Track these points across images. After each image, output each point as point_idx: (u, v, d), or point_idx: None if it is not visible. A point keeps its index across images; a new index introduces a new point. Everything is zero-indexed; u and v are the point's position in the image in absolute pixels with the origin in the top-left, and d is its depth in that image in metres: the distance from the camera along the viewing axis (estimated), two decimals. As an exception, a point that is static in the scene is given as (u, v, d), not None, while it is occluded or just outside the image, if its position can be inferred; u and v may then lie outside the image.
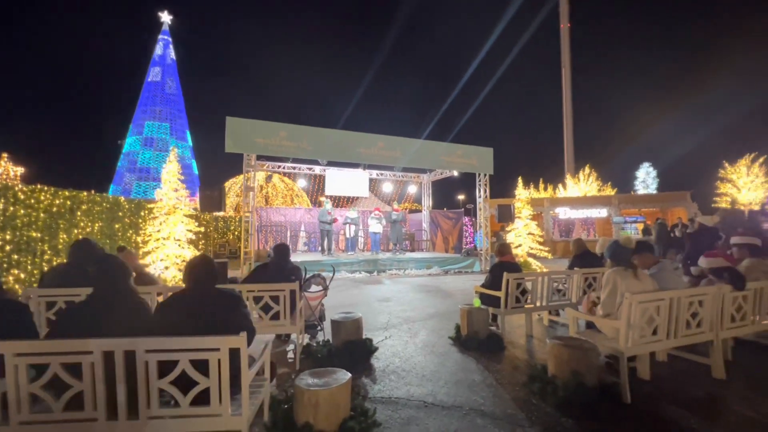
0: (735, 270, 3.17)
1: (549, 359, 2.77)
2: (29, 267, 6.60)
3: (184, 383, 1.68)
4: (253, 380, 2.05)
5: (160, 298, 3.16)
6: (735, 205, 21.90)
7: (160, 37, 43.82)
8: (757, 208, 20.99)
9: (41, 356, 1.61)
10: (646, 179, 38.33)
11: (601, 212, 19.10)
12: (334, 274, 4.18)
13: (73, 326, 1.83)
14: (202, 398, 1.69)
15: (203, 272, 2.03)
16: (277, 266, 3.54)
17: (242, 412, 1.71)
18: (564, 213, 19.29)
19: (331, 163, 11.85)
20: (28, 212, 6.61)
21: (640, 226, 17.70)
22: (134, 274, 2.18)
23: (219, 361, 1.67)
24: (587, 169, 29.58)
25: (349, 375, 2.16)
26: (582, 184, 29.32)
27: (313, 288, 3.76)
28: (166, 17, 44.08)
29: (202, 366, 1.68)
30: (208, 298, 1.99)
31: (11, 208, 6.31)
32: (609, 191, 28.33)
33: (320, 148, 9.64)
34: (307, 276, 3.82)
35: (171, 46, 44.36)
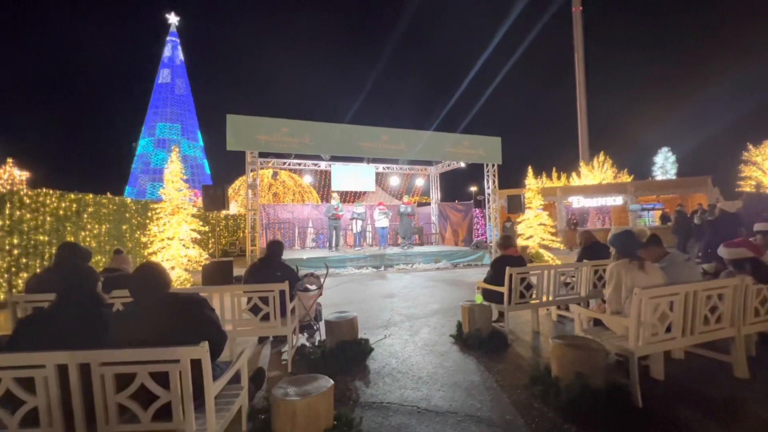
0: (758, 261, 2.90)
1: (552, 360, 2.58)
2: (38, 270, 6.69)
3: (146, 397, 1.57)
4: (226, 389, 1.93)
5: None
6: (760, 189, 20.93)
7: (168, 38, 44.32)
8: (784, 191, 20.01)
9: (-8, 371, 1.51)
10: (665, 164, 37.10)
11: (617, 200, 18.49)
12: (327, 272, 4.05)
13: (32, 335, 1.73)
14: (166, 413, 1.58)
15: (146, 281, 1.88)
16: (265, 264, 3.42)
17: (207, 427, 1.59)
18: (577, 202, 18.74)
19: (336, 158, 11.71)
20: (34, 216, 6.68)
21: (658, 214, 17.09)
22: (102, 280, 2.07)
23: (180, 373, 1.55)
24: (602, 156, 28.72)
25: (331, 382, 2.02)
26: (596, 171, 28.49)
27: (307, 287, 3.64)
28: (173, 19, 44.48)
29: (163, 378, 1.56)
30: (164, 305, 1.85)
31: (17, 213, 6.39)
32: (625, 178, 27.48)
33: (322, 143, 9.50)
34: (300, 275, 3.69)
35: (179, 48, 44.84)
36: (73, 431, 1.55)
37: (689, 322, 2.61)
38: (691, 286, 2.60)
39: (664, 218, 14.95)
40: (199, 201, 11.26)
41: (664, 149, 37.20)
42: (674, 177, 31.81)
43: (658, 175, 35.95)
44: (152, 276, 1.88)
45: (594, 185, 22.28)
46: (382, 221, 11.53)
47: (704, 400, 2.48)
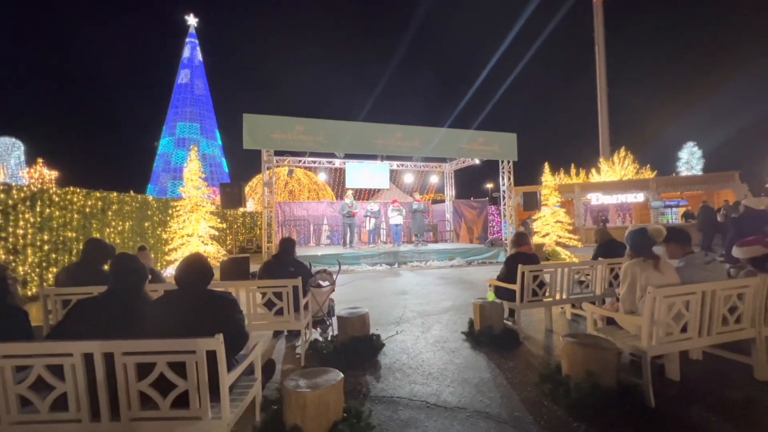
0: None
1: (562, 358, 2.57)
2: (66, 265, 7.01)
3: (165, 386, 1.66)
4: (241, 380, 2.01)
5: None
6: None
7: (187, 40, 45.27)
8: (819, 187, 19.03)
9: (25, 358, 1.62)
10: (690, 160, 35.75)
11: (638, 197, 17.95)
12: (339, 269, 4.12)
13: (83, 321, 1.84)
14: (184, 401, 1.66)
15: (190, 273, 1.99)
16: (278, 261, 3.50)
17: (222, 415, 1.67)
18: (596, 199, 18.30)
19: (350, 156, 11.79)
20: (63, 213, 7.00)
21: (682, 211, 16.53)
22: (150, 277, 2.19)
23: (196, 363, 1.63)
24: (623, 152, 27.86)
25: (341, 375, 2.08)
26: (617, 167, 27.69)
27: (319, 283, 3.71)
28: (192, 20, 45.35)
29: (181, 368, 1.65)
30: (197, 299, 1.95)
31: (47, 210, 6.70)
32: (647, 174, 26.63)
33: (336, 140, 9.58)
34: (313, 271, 3.77)
35: (198, 49, 45.74)
36: (99, 416, 1.65)
37: (706, 322, 2.55)
38: (709, 286, 2.54)
39: (688, 215, 14.44)
40: (218, 199, 11.57)
41: (690, 144, 35.84)
42: (700, 173, 30.65)
43: (683, 171, 34.69)
44: (195, 268, 1.99)
45: (614, 181, 21.71)
46: (396, 218, 11.56)
47: (721, 401, 2.43)
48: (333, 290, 3.87)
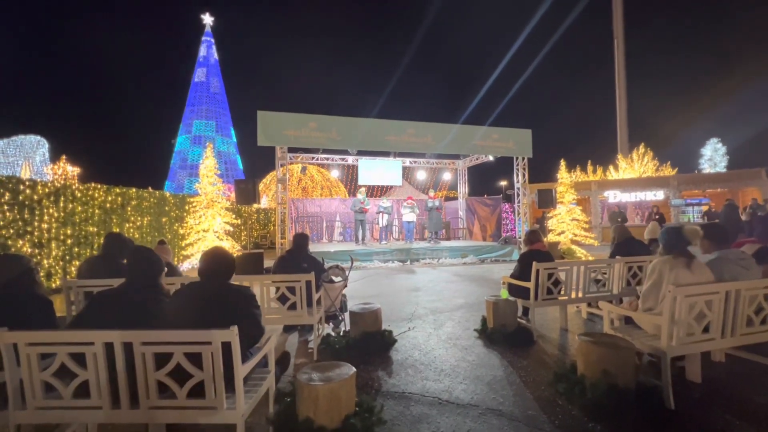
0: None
1: (578, 357, 2.52)
2: (88, 258, 7.21)
3: (182, 376, 1.69)
4: (255, 372, 2.04)
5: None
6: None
7: (203, 38, 45.93)
8: None
9: (49, 346, 1.68)
10: (713, 157, 34.57)
11: (657, 195, 17.45)
12: (352, 265, 4.13)
13: (97, 313, 1.89)
14: (200, 391, 1.70)
15: (211, 266, 2.02)
16: (291, 256, 3.54)
17: (237, 406, 1.70)
18: (614, 197, 17.87)
19: (362, 153, 11.80)
20: (84, 209, 7.21)
21: (704, 209, 16.00)
22: (165, 269, 2.23)
23: (212, 354, 1.66)
24: (642, 149, 27.10)
25: (354, 370, 2.08)
26: (636, 164, 26.97)
27: (332, 279, 3.73)
28: (208, 19, 45.96)
29: (198, 359, 1.68)
30: (216, 292, 1.97)
31: (70, 206, 6.91)
32: (668, 171, 25.87)
33: (349, 137, 9.60)
34: (326, 267, 3.79)
35: (213, 47, 46.38)
36: (119, 403, 1.69)
37: (730, 323, 2.47)
38: (733, 285, 2.45)
39: (710, 214, 13.97)
40: (233, 195, 11.74)
41: (713, 140, 34.63)
42: (724, 170, 29.60)
43: (706, 168, 33.57)
44: (218, 261, 2.04)
45: (632, 179, 21.18)
46: (409, 215, 11.52)
47: (745, 405, 2.35)
48: (345, 286, 3.89)
